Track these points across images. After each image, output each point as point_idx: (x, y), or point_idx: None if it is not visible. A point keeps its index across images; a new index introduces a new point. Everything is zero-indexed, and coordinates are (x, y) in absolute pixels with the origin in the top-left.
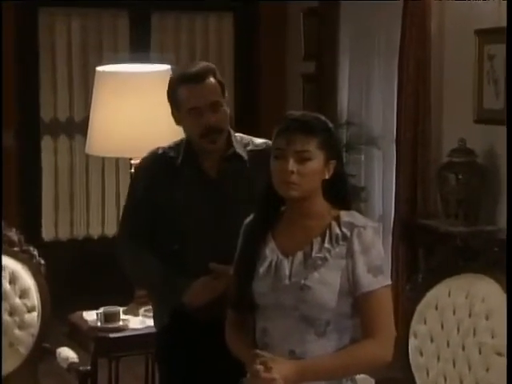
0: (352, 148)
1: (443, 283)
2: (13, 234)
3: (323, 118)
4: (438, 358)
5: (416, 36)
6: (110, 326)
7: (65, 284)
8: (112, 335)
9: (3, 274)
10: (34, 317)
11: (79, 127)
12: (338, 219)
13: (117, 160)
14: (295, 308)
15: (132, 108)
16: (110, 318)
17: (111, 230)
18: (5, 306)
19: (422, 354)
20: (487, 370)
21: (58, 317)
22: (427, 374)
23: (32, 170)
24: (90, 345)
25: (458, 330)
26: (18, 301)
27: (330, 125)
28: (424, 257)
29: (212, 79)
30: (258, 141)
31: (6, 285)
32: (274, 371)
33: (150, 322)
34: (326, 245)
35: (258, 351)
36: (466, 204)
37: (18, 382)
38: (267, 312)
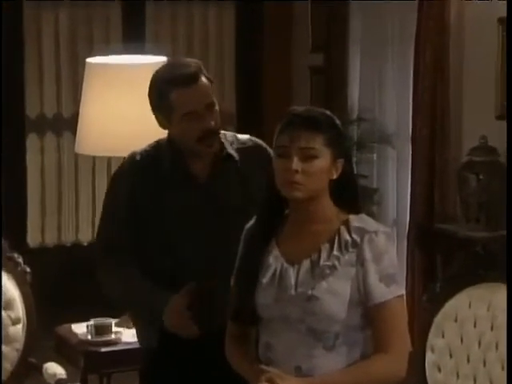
0: (363, 146)
1: (463, 293)
2: None
3: (329, 113)
4: (458, 375)
5: (433, 24)
6: (101, 339)
7: (52, 294)
8: (103, 349)
9: None
10: (18, 330)
11: (68, 124)
12: (347, 224)
13: (109, 159)
14: (301, 320)
15: (125, 103)
16: (101, 330)
17: None
18: None
19: (439, 370)
20: None
21: (44, 329)
22: None
23: (16, 171)
24: (79, 360)
25: (479, 343)
26: (1, 313)
27: (337, 121)
28: (442, 264)
29: (204, 79)
30: (242, 137)
31: None
32: None
33: None
34: (335, 252)
35: (263, 367)
36: (487, 207)
37: None
38: (271, 325)
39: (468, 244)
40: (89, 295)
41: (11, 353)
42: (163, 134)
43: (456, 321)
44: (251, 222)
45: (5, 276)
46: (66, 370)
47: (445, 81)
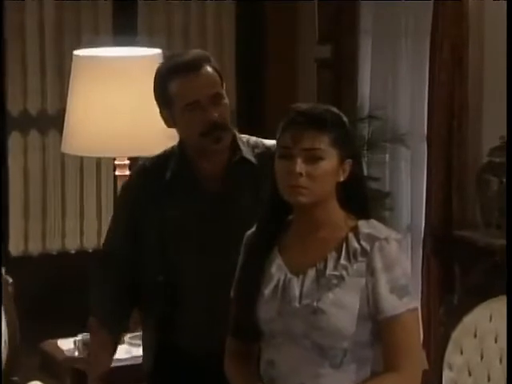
0: (375, 147)
1: (483, 306)
2: None
3: (335, 109)
4: None
5: (451, 14)
6: None
7: (36, 306)
8: None
9: None
10: None
11: (53, 121)
12: (355, 230)
13: (98, 160)
14: (306, 335)
15: (116, 98)
16: (89, 346)
17: (91, 242)
18: None
19: None
20: None
21: (28, 346)
22: None
23: None
24: (65, 378)
25: (501, 360)
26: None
27: (345, 118)
28: (460, 274)
29: (209, 68)
30: (269, 142)
31: None
32: None
33: (137, 352)
34: (343, 261)
35: None
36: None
37: None
38: (274, 340)
39: (488, 252)
40: (76, 308)
41: None
42: (157, 131)
43: (475, 336)
44: (252, 229)
45: None
46: None
47: (463, 76)
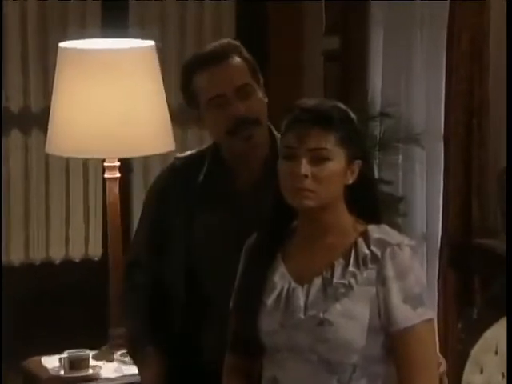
0: (387, 147)
1: (504, 320)
2: None
3: (343, 105)
4: None
5: (470, 2)
6: (77, 374)
7: (18, 321)
8: None
9: None
10: None
11: (37, 120)
12: (365, 235)
13: (85, 162)
14: (312, 349)
15: (105, 94)
16: (76, 364)
17: (77, 252)
18: None
19: None
20: None
21: (10, 363)
22: None
23: None
24: None
25: None
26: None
27: (353, 115)
28: (480, 286)
29: (237, 58)
30: None
31: None
32: None
33: (128, 370)
34: (351, 268)
35: None
36: None
37: None
38: (277, 355)
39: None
40: (62, 322)
41: None
42: (150, 130)
43: (496, 353)
44: (254, 236)
45: None
46: None
47: (483, 70)
